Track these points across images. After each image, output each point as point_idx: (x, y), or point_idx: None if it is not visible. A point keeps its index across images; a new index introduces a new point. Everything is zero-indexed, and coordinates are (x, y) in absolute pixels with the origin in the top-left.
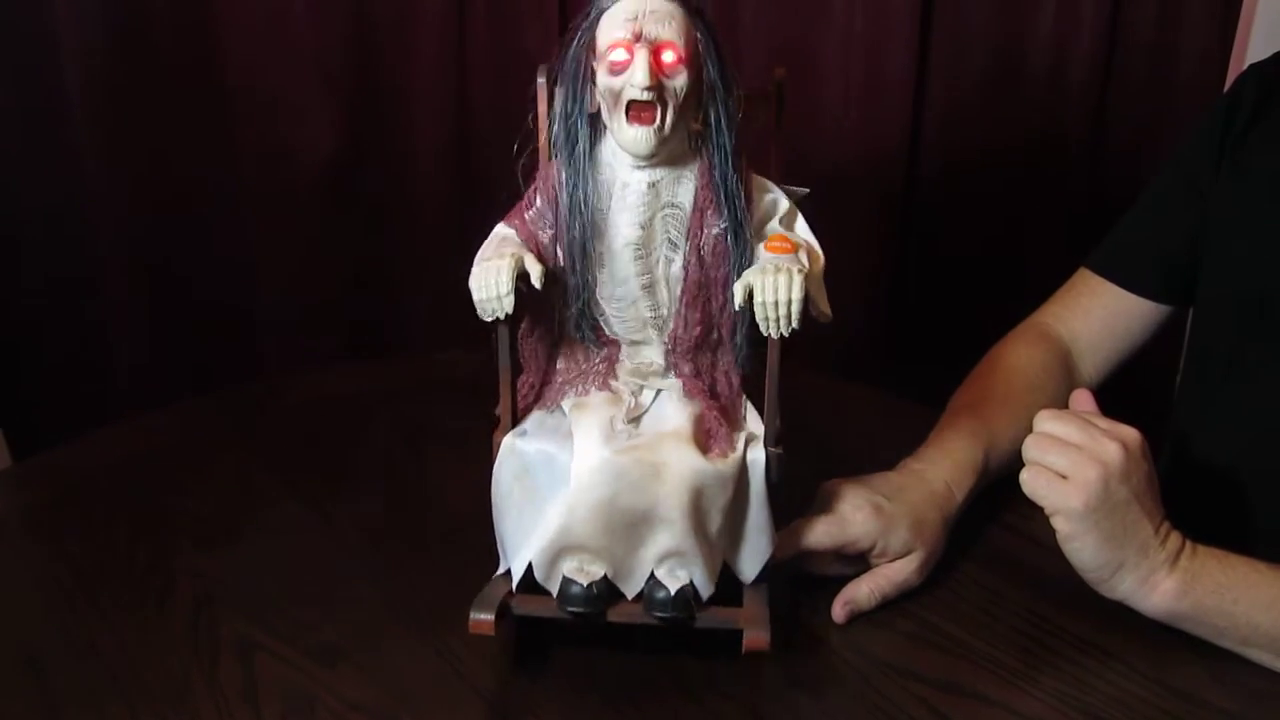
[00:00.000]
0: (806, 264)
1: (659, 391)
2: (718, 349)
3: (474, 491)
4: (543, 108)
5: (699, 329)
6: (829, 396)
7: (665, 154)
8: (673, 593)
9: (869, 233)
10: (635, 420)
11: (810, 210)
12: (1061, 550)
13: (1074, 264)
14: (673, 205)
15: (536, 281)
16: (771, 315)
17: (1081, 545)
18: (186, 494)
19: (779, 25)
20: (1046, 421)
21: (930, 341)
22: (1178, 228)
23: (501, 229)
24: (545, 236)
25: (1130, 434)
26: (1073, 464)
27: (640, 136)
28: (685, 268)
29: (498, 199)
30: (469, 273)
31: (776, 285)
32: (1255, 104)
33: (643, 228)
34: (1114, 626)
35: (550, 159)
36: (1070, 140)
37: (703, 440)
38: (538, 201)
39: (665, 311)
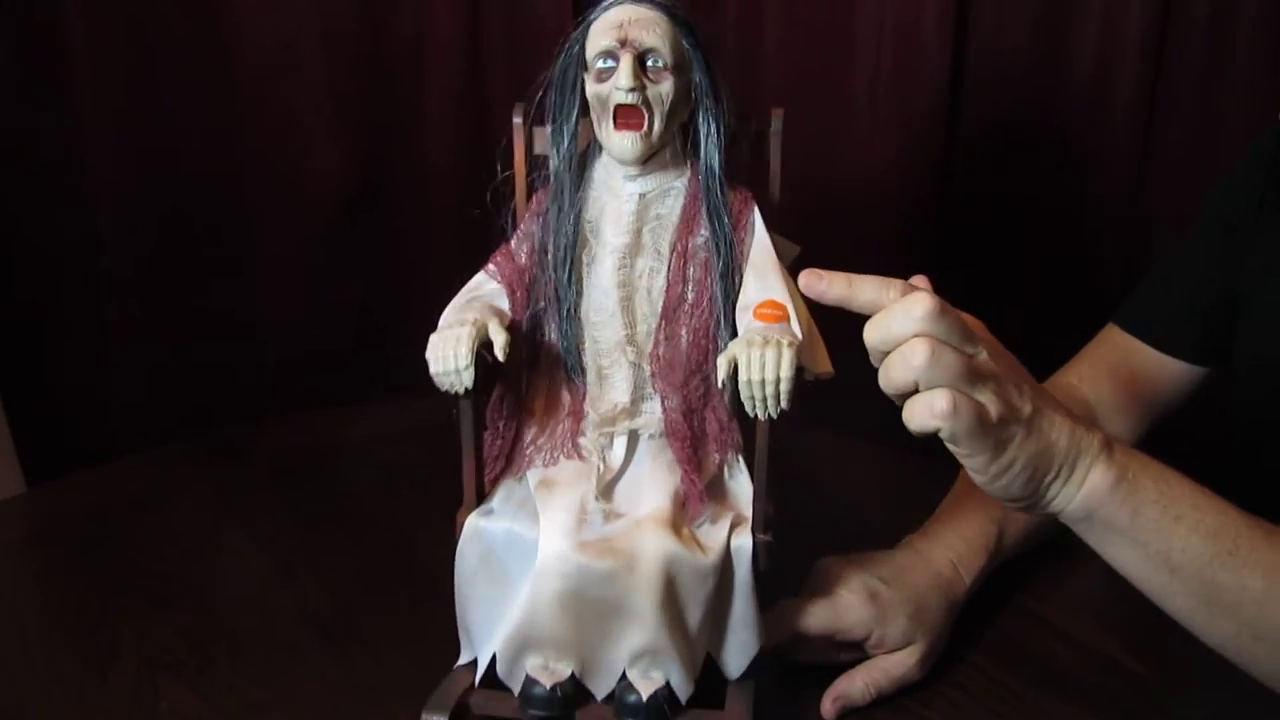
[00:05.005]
0: (799, 334)
1: (633, 444)
2: (708, 380)
3: (451, 550)
4: (519, 152)
5: (683, 348)
6: (827, 453)
7: (655, 163)
8: (645, 698)
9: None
10: (608, 490)
11: (831, 245)
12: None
13: (1114, 300)
14: (660, 216)
15: (500, 353)
16: (758, 395)
17: (1010, 481)
18: (147, 549)
19: (803, 54)
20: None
21: None
22: (1214, 280)
23: (477, 279)
24: (525, 258)
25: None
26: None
27: (627, 142)
28: (668, 278)
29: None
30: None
31: (764, 361)
32: None
33: (630, 236)
34: None
35: (528, 200)
36: (1112, 175)
37: (679, 518)
38: (530, 226)
39: (643, 329)
